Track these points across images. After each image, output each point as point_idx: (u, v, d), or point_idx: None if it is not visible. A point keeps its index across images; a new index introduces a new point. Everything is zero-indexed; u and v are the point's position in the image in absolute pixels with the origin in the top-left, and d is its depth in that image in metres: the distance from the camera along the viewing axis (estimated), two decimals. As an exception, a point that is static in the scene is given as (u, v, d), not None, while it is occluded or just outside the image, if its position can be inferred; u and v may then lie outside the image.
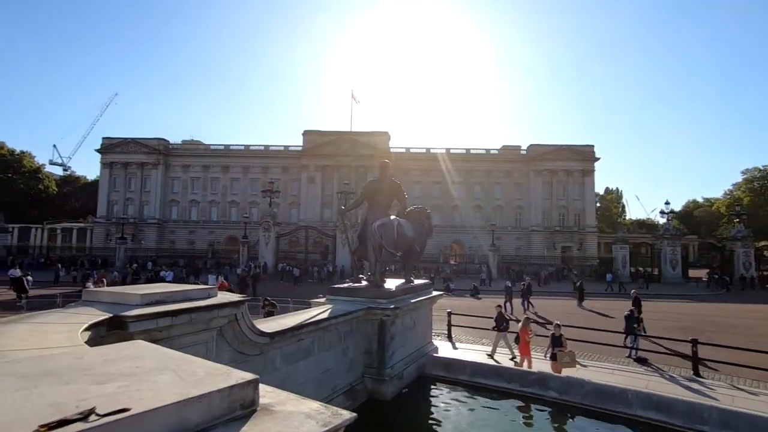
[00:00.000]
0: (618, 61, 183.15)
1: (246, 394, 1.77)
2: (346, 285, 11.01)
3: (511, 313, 19.44)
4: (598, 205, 74.50)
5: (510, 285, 23.35)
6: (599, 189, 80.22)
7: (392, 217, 10.71)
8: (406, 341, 10.53)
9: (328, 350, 8.29)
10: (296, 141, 67.29)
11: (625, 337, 12.93)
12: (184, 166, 66.48)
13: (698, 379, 10.51)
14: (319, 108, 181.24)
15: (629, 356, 12.41)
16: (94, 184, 73.18)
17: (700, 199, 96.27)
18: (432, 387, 10.28)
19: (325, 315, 8.28)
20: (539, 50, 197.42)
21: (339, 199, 36.72)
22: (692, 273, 45.45)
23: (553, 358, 10.73)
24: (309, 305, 10.09)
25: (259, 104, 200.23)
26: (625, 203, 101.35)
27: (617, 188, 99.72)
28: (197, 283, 15.11)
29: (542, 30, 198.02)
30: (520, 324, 11.90)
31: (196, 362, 2.02)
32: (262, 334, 6.27)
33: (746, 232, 44.15)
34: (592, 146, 62.30)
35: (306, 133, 65.44)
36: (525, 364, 11.12)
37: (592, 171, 62.19)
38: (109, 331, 4.11)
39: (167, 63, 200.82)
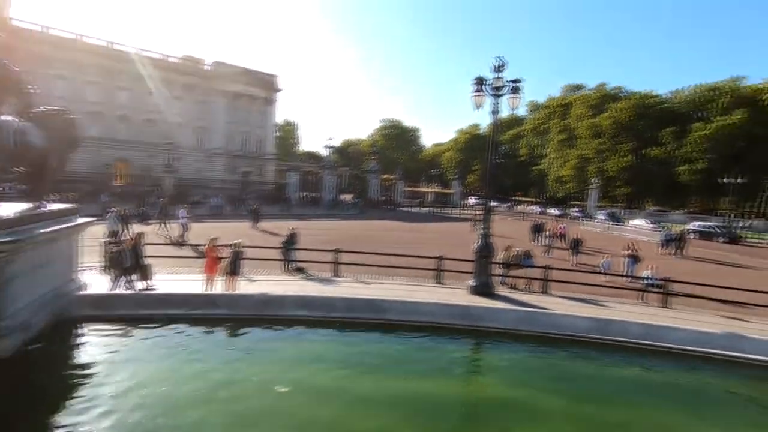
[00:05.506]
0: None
1: None
2: None
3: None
4: (278, 134, 79.73)
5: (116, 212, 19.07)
6: (280, 120, 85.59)
7: (5, 117, 7.64)
8: (36, 282, 8.21)
9: None
10: None
11: (287, 252, 14.84)
12: None
13: (337, 279, 13.48)
14: None
15: (290, 268, 14.43)
16: None
17: (353, 138, 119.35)
18: (78, 330, 8.64)
19: None
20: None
21: None
22: (343, 197, 56.98)
23: (234, 272, 11.11)
24: None
25: None
26: (300, 136, 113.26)
27: (294, 121, 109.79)
28: None
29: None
30: (206, 245, 11.58)
31: None
32: None
33: (378, 167, 58.69)
34: (276, 76, 64.75)
35: None
36: (213, 285, 10.96)
37: (275, 101, 65.20)
38: None
39: None
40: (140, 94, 52.72)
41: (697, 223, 40.05)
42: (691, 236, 31.71)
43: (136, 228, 18.12)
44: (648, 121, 62.55)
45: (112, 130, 51.01)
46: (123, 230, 18.76)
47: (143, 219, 24.83)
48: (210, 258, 11.14)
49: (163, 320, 9.29)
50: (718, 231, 36.97)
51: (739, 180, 42.46)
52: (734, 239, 35.36)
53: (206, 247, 11.50)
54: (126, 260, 10.69)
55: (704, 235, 36.08)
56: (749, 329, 10.58)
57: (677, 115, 61.16)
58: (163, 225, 22.61)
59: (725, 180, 42.96)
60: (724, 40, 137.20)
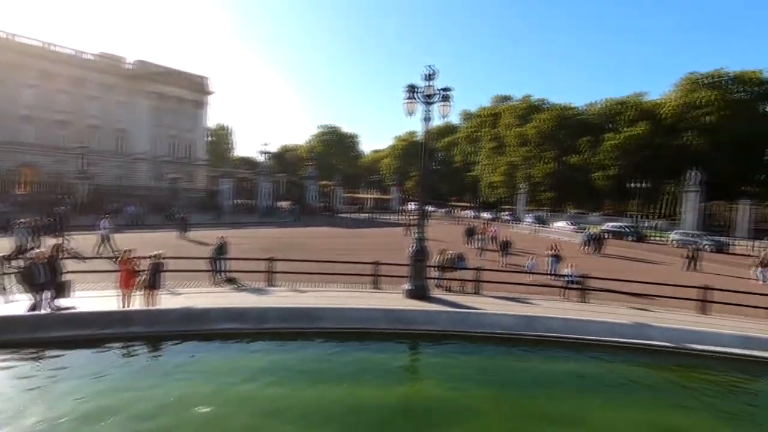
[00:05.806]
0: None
1: None
2: None
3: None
4: (210, 139, 75.94)
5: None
6: (212, 124, 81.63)
7: None
8: None
9: None
10: None
11: (216, 262, 14.02)
12: None
13: (270, 288, 12.94)
14: None
15: (219, 279, 13.63)
16: None
17: (290, 144, 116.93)
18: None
19: None
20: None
21: None
22: (280, 204, 55.40)
23: (153, 286, 10.24)
24: None
25: None
26: (234, 141, 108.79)
27: (228, 125, 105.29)
28: None
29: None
30: (120, 257, 10.55)
31: None
32: None
33: (316, 173, 57.90)
34: (207, 78, 61.76)
35: None
36: (129, 301, 9.98)
37: (206, 104, 62.11)
38: None
39: None
40: (49, 92, 47.77)
41: (610, 224, 43.98)
42: (606, 236, 34.74)
43: (47, 240, 16.21)
44: (568, 131, 67.90)
45: (14, 131, 45.64)
46: (35, 243, 16.72)
47: (51, 231, 22.27)
48: (125, 271, 10.17)
49: (70, 342, 8.35)
50: (628, 231, 40.86)
51: (644, 185, 47.33)
52: (641, 238, 39.32)
53: (120, 259, 10.51)
54: (39, 276, 9.43)
55: (616, 234, 39.66)
56: (654, 318, 11.70)
57: (592, 125, 67.00)
58: (62, 237, 20.45)
59: (633, 185, 47.69)
60: (629, 57, 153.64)
